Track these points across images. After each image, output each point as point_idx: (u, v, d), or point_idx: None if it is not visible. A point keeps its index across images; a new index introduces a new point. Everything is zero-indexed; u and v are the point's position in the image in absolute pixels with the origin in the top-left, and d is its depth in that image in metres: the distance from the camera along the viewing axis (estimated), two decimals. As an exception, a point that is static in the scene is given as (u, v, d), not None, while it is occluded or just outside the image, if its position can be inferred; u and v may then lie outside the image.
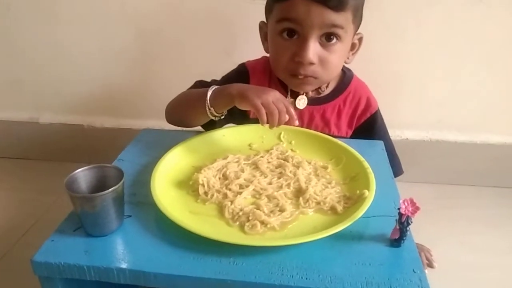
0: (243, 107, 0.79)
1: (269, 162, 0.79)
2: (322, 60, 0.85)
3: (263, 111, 0.74)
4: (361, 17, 0.90)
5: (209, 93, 0.82)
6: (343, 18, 0.82)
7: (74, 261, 0.57)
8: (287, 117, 0.75)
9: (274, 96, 0.77)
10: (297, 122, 0.77)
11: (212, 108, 0.82)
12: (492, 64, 1.23)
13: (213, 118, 0.84)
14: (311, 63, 0.84)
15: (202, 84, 0.98)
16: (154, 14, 1.25)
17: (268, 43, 0.93)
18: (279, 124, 0.75)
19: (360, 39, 0.93)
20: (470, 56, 1.22)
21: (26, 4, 1.27)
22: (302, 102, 0.94)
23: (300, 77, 0.87)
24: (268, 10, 0.90)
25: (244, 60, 1.02)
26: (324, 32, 0.83)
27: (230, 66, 1.02)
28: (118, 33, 1.29)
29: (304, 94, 0.95)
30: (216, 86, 0.83)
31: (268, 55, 0.95)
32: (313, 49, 0.83)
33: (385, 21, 1.19)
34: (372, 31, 1.16)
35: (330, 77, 0.92)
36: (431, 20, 1.18)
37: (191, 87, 0.98)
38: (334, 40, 0.84)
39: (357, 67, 1.03)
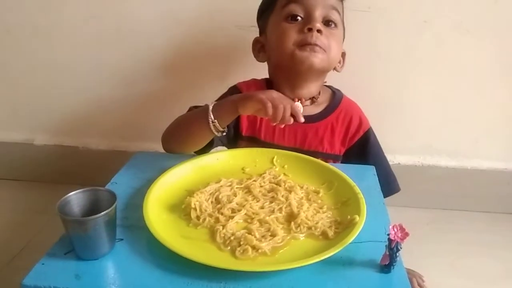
0: (247, 109, 0.80)
1: (261, 186, 0.80)
2: (326, 35, 0.91)
3: (270, 105, 0.75)
4: (344, 32, 0.99)
5: (210, 107, 0.83)
6: (338, 3, 0.95)
7: (64, 285, 0.57)
8: (291, 119, 0.76)
9: (277, 94, 0.79)
10: (302, 119, 0.78)
11: (216, 121, 0.82)
12: (482, 91, 1.26)
13: (217, 133, 0.84)
14: (319, 31, 0.90)
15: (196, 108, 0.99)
16: (150, 37, 1.27)
17: (268, 43, 0.99)
18: (283, 121, 0.76)
19: (343, 54, 1.01)
20: (460, 82, 1.25)
21: (25, 28, 1.29)
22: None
23: (310, 46, 0.90)
24: (267, 9, 0.98)
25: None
26: (325, 15, 0.92)
27: (224, 90, 1.04)
28: (114, 56, 1.31)
29: (298, 101, 0.97)
30: (216, 101, 0.85)
31: (258, 78, 1.00)
32: (319, 21, 0.91)
33: (377, 48, 1.22)
34: (363, 58, 1.20)
35: (332, 58, 0.95)
36: (421, 48, 1.21)
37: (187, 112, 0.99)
38: (333, 25, 0.94)
39: (349, 92, 1.06)
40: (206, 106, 0.84)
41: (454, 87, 1.26)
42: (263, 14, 1.00)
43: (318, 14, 0.91)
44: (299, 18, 0.92)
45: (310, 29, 0.90)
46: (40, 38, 1.31)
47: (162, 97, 1.34)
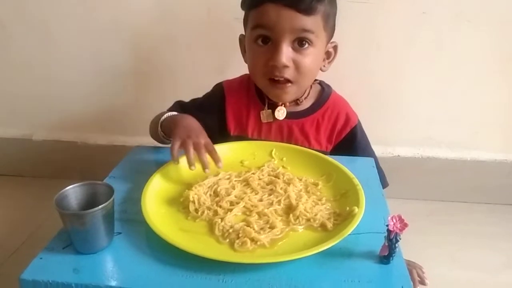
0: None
1: (260, 179, 0.80)
2: (296, 63, 0.88)
3: (176, 147, 0.77)
4: (333, 27, 0.93)
5: (160, 121, 0.89)
6: (313, 22, 0.86)
7: (62, 279, 0.56)
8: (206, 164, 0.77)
9: (197, 138, 0.79)
10: (220, 165, 0.78)
11: (164, 135, 0.89)
12: (481, 82, 1.25)
13: (168, 141, 0.88)
14: (285, 66, 0.87)
15: (180, 105, 1.02)
16: (147, 32, 1.27)
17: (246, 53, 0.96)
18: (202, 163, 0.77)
19: (335, 47, 0.96)
20: (460, 73, 1.24)
21: (21, 23, 1.29)
22: (281, 113, 0.97)
23: (277, 79, 0.89)
24: (245, 20, 0.94)
25: (234, 77, 1.05)
26: (296, 37, 0.86)
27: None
28: (112, 51, 1.30)
29: (282, 105, 0.97)
30: (170, 114, 0.90)
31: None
32: (286, 53, 0.86)
33: (375, 40, 1.21)
34: (362, 50, 1.20)
35: (306, 82, 0.94)
36: (420, 38, 1.20)
37: (170, 108, 1.00)
38: (306, 45, 0.87)
39: (347, 85, 1.05)
40: (158, 119, 0.90)
41: (453, 78, 1.25)
42: (243, 17, 0.96)
43: (287, 41, 0.86)
44: (268, 40, 0.88)
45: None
46: (36, 33, 1.30)
47: (160, 91, 1.34)
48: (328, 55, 0.96)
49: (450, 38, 1.20)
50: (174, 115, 0.90)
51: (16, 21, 1.29)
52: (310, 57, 0.89)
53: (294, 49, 0.87)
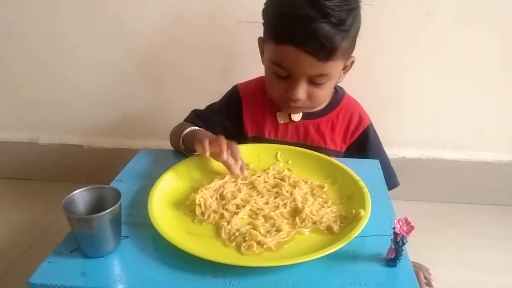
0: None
1: (265, 182, 0.80)
2: (310, 95, 0.90)
3: (200, 142, 0.79)
4: (353, 47, 0.92)
5: (182, 135, 0.90)
6: (331, 66, 0.86)
7: (70, 283, 0.57)
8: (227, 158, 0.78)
9: (221, 141, 0.79)
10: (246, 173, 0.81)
11: (184, 147, 0.89)
12: (486, 82, 1.25)
13: (188, 154, 0.89)
14: (300, 99, 0.89)
15: (196, 114, 1.03)
16: (152, 37, 1.27)
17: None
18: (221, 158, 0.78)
19: (352, 62, 0.96)
20: (465, 74, 1.24)
21: (26, 29, 1.30)
22: (297, 115, 0.99)
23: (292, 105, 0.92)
24: (265, 37, 0.91)
25: (239, 80, 1.05)
26: (310, 78, 0.87)
27: (226, 86, 1.05)
28: (116, 55, 1.31)
29: None
30: (191, 129, 0.91)
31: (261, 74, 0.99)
32: (302, 88, 0.88)
33: (380, 41, 1.21)
34: (368, 52, 1.19)
35: (318, 105, 0.97)
36: (426, 40, 1.20)
37: (187, 117, 1.02)
38: (324, 80, 0.88)
39: (353, 86, 1.05)
40: (182, 131, 0.91)
41: (458, 79, 1.25)
42: (264, 29, 0.94)
43: (304, 79, 0.87)
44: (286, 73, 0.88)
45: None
46: (42, 38, 1.31)
47: (165, 95, 1.35)
48: (344, 67, 0.95)
49: (455, 40, 1.20)
50: (197, 130, 0.91)
51: (23, 26, 1.30)
52: (326, 89, 0.91)
53: (310, 83, 0.88)
